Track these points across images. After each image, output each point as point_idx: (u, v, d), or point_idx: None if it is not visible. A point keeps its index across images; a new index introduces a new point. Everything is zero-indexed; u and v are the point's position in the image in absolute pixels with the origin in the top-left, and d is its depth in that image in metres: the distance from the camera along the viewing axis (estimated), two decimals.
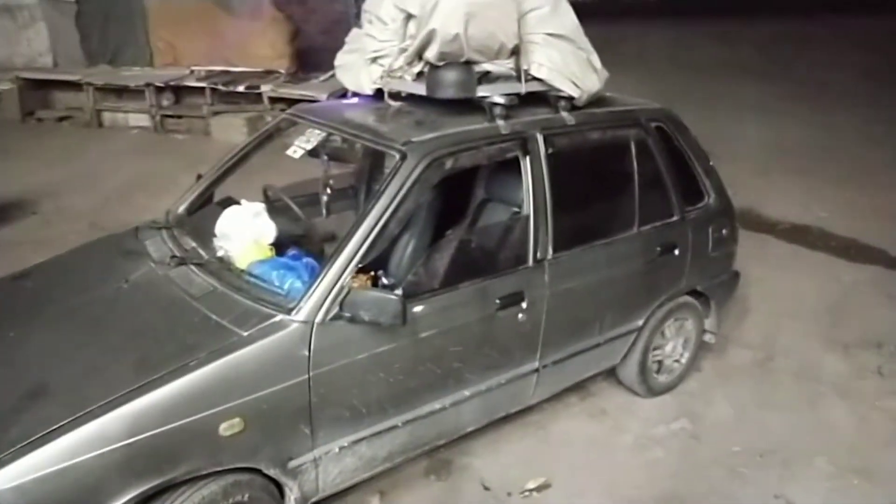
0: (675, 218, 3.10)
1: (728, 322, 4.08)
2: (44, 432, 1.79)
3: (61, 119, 9.09)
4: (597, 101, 2.95)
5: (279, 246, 2.65)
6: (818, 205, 6.05)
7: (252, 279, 2.32)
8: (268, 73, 8.50)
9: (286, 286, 2.26)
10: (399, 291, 2.18)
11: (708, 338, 3.55)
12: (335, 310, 2.15)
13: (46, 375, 2.03)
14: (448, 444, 2.81)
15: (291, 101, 6.85)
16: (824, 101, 8.96)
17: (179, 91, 8.77)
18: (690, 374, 3.58)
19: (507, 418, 3.02)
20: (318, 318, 2.13)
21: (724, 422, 3.26)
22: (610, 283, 2.92)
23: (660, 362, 3.37)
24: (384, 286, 2.67)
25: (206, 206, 2.93)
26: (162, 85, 8.51)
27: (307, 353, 2.11)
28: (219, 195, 2.98)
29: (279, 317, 2.12)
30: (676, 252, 3.10)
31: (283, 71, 8.37)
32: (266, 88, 8.04)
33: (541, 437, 3.12)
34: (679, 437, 3.15)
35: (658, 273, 3.10)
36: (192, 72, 8.74)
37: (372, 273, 2.80)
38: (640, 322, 3.13)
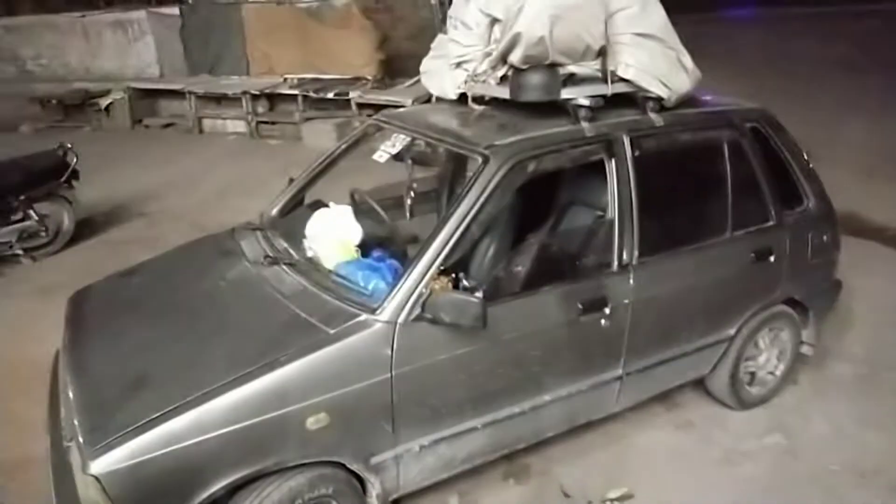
0: (771, 223, 2.95)
1: (828, 334, 3.85)
2: (146, 419, 1.92)
3: (166, 126, 9.72)
4: (688, 101, 2.86)
5: (365, 247, 2.73)
6: None
7: (339, 279, 2.40)
8: (356, 80, 8.75)
9: (371, 287, 2.32)
10: (480, 294, 2.18)
11: (805, 350, 3.36)
12: (417, 311, 2.19)
13: (149, 366, 2.17)
14: (529, 448, 2.80)
15: (378, 107, 7.02)
16: None
17: (273, 98, 9.18)
18: (786, 388, 3.39)
19: (589, 426, 2.97)
20: (401, 319, 2.17)
21: (822, 438, 3.07)
22: (699, 290, 2.82)
23: (752, 374, 3.22)
24: (465, 288, 2.69)
25: (297, 209, 3.04)
26: (257, 93, 8.93)
27: (390, 352, 2.16)
28: (310, 198, 3.09)
29: (364, 316, 2.18)
30: (772, 259, 2.95)
31: (370, 77, 8.59)
32: (354, 95, 8.27)
33: (624, 446, 3.04)
34: (772, 452, 3.00)
35: (752, 280, 2.97)
36: (286, 80, 9.13)
37: (453, 275, 2.84)
38: (732, 331, 3.00)
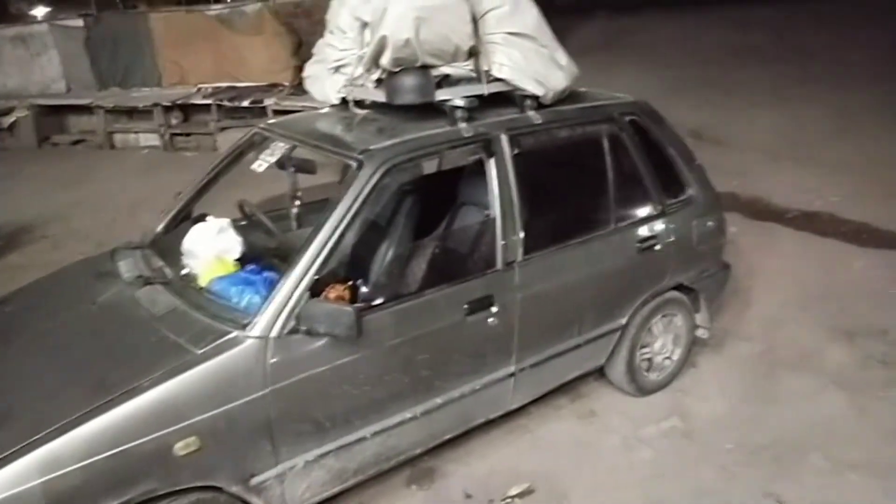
0: (654, 212, 3.03)
1: (728, 315, 3.99)
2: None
3: (75, 143, 9.32)
4: (568, 97, 2.90)
5: (249, 261, 2.66)
6: (830, 190, 5.86)
7: (211, 296, 2.33)
8: (272, 87, 8.59)
9: (244, 302, 2.26)
10: (353, 305, 2.15)
11: (700, 333, 3.46)
12: (292, 323, 2.14)
13: (12, 400, 2.06)
14: (431, 451, 2.79)
15: (297, 112, 6.90)
16: (840, 82, 8.67)
17: (187, 109, 8.92)
18: (685, 371, 3.49)
19: (493, 423, 2.98)
20: (274, 333, 2.12)
21: (718, 419, 3.16)
22: (587, 282, 2.86)
23: (649, 360, 3.29)
24: (363, 295, 2.67)
25: (182, 224, 2.95)
26: (169, 104, 8.66)
27: (264, 368, 2.10)
28: (210, 211, 2.98)
29: (234, 333, 2.11)
30: (658, 247, 3.02)
31: (287, 84, 8.44)
32: (270, 102, 8.12)
33: (528, 441, 3.07)
34: (669, 436, 3.07)
35: (639, 269, 3.03)
36: (199, 89, 8.89)
37: (350, 283, 2.80)
38: (624, 320, 3.06)
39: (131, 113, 9.02)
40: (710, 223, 3.24)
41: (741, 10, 12.78)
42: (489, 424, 2.96)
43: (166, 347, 2.12)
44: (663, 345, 3.31)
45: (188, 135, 8.86)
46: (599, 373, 3.33)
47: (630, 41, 11.70)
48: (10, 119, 9.12)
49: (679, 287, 3.25)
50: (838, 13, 12.19)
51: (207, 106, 8.58)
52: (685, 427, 3.12)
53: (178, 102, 8.72)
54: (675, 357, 3.38)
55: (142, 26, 9.06)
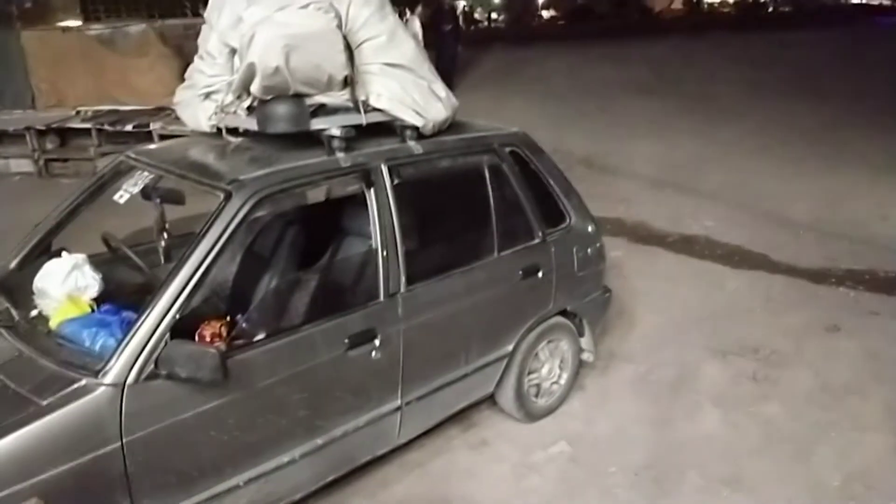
0: (535, 241, 3.08)
1: (613, 337, 4.12)
2: None
3: None
4: (451, 127, 2.91)
5: (114, 300, 2.47)
6: (706, 215, 6.26)
7: (61, 340, 2.14)
8: (159, 110, 8.19)
9: (97, 346, 2.08)
10: (218, 345, 2.03)
11: (586, 357, 3.54)
12: (150, 368, 1.99)
13: None
14: (319, 492, 2.66)
15: (184, 137, 6.61)
16: (710, 115, 9.36)
17: (65, 133, 8.34)
18: (573, 395, 3.56)
19: (385, 458, 2.90)
20: (130, 379, 1.96)
21: (603, 441, 3.23)
22: (472, 311, 2.86)
23: (538, 386, 3.33)
24: (240, 331, 2.53)
25: (38, 260, 2.70)
26: (44, 128, 8.08)
27: (118, 418, 1.93)
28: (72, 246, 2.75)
29: (84, 381, 1.93)
30: (540, 274, 3.08)
31: (173, 107, 8.08)
32: (155, 126, 7.74)
33: (419, 475, 3.00)
34: (557, 461, 3.10)
35: (523, 297, 3.07)
36: (78, 112, 8.36)
37: (227, 319, 2.66)
38: (510, 347, 3.08)
39: (1, 137, 8.34)
40: (590, 250, 3.34)
41: (622, 47, 13.66)
42: (380, 460, 2.88)
43: (6, 399, 1.91)
44: (550, 370, 3.36)
45: (66, 160, 8.28)
46: (491, 400, 3.33)
47: (522, 73, 12.13)
48: None
49: (563, 312, 3.32)
50: (704, 52, 13.28)
51: (87, 130, 8.07)
52: (572, 451, 3.16)
53: (54, 126, 8.15)
54: (563, 381, 3.44)
55: (12, 45, 8.46)
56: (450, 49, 11.03)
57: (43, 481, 1.82)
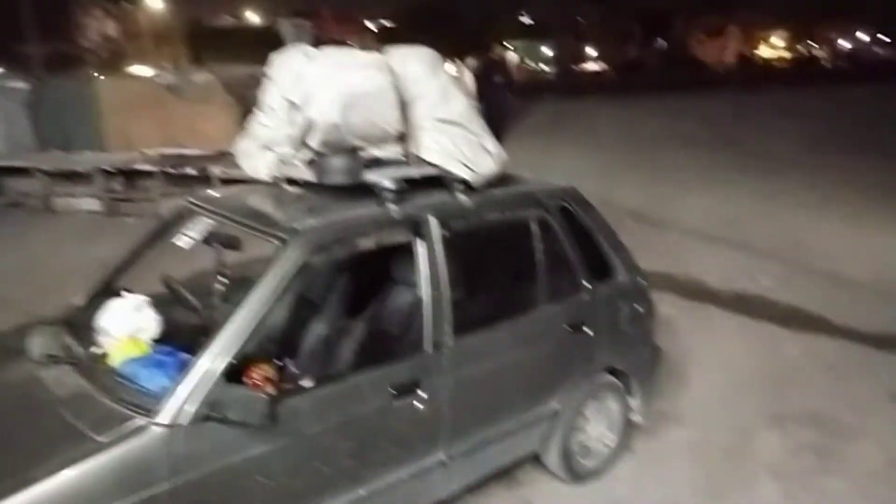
0: (583, 295, 3.06)
1: (664, 398, 3.99)
2: None
3: (11, 205, 9.00)
4: (501, 181, 2.95)
5: (172, 341, 2.55)
6: (762, 273, 6.09)
7: (120, 379, 2.21)
8: (220, 155, 8.54)
9: (154, 386, 2.14)
10: (267, 388, 2.06)
11: (635, 418, 3.45)
12: (203, 410, 2.03)
13: None
14: None
15: (243, 182, 6.87)
16: (766, 169, 9.22)
17: (131, 175, 8.76)
18: (621, 457, 3.45)
19: None
20: (183, 420, 2.01)
21: None
22: (517, 365, 2.84)
23: (584, 446, 3.25)
24: (290, 376, 2.58)
25: (103, 299, 2.82)
26: (112, 170, 8.51)
27: (170, 459, 1.98)
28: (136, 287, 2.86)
29: (140, 420, 1.99)
30: (587, 330, 3.04)
31: (234, 152, 8.42)
32: (216, 171, 8.06)
33: None
34: None
35: (569, 352, 3.03)
36: (144, 155, 8.78)
37: (276, 362, 2.71)
38: (556, 404, 3.03)
39: (72, 177, 8.81)
40: (639, 306, 3.29)
41: (673, 100, 13.66)
42: None
43: (66, 434, 1.98)
44: (598, 430, 3.28)
45: (131, 201, 8.68)
46: (536, 459, 3.26)
47: (571, 125, 12.24)
48: None
49: (611, 370, 3.25)
50: (759, 106, 13.13)
51: (152, 172, 8.46)
52: None
53: (122, 168, 8.58)
54: (611, 443, 3.35)
55: (88, 90, 9.01)
56: (500, 100, 11.25)
57: None
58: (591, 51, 36.16)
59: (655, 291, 3.61)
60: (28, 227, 8.23)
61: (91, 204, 8.76)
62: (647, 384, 3.51)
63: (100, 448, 1.92)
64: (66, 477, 1.85)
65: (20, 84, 9.41)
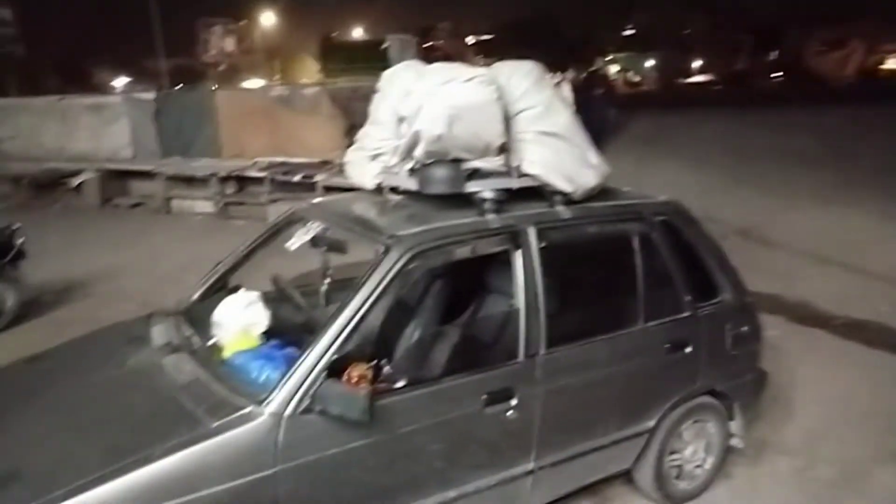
0: (685, 314, 2.97)
1: (767, 425, 3.81)
2: None
3: (135, 206, 9.82)
4: (601, 194, 2.93)
5: (275, 335, 2.70)
6: (879, 298, 5.67)
7: (232, 369, 2.36)
8: (323, 164, 8.96)
9: (263, 377, 2.28)
10: (368, 389, 2.15)
11: (735, 442, 3.30)
12: (307, 402, 2.14)
13: (23, 460, 2.10)
14: None
15: (344, 190, 7.17)
16: (884, 188, 8.55)
17: (242, 180, 9.34)
18: (718, 482, 3.31)
19: None
20: (288, 411, 2.12)
21: None
22: (613, 381, 2.79)
23: (679, 467, 3.15)
24: (384, 376, 2.66)
25: (217, 294, 3.03)
26: (226, 175, 9.09)
27: (275, 446, 2.10)
28: (246, 283, 3.05)
29: (250, 408, 2.13)
30: (688, 350, 2.95)
31: (337, 162, 8.79)
32: (320, 178, 8.45)
33: None
34: None
35: (668, 372, 2.95)
36: (255, 163, 9.33)
37: (374, 362, 2.81)
38: (652, 423, 2.95)
39: (190, 181, 9.48)
40: (744, 328, 3.15)
41: (784, 114, 12.91)
42: None
43: (183, 417, 2.14)
44: (694, 452, 3.17)
45: (241, 204, 9.24)
46: (627, 476, 3.19)
47: (674, 138, 11.86)
48: (79, 180, 9.72)
49: (712, 392, 3.14)
50: (882, 123, 12.18)
51: (261, 179, 8.97)
52: None
53: (234, 174, 9.15)
54: (708, 466, 3.22)
55: (207, 102, 9.68)
56: (600, 113, 11.10)
57: (206, 497, 2.00)
58: (697, 63, 34.97)
59: (762, 313, 3.45)
60: (148, 225, 8.94)
61: (205, 207, 9.40)
62: (750, 409, 3.36)
63: (213, 432, 2.06)
64: (182, 457, 2.00)
65: (148, 96, 10.22)
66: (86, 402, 2.38)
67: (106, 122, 10.18)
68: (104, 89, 13.91)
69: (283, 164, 9.15)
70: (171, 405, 2.22)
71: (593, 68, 11.39)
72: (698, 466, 3.21)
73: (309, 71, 23.74)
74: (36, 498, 1.88)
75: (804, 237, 7.19)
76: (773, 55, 31.18)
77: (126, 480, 1.93)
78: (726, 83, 28.43)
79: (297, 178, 8.64)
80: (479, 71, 2.54)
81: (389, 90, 2.79)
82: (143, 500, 1.94)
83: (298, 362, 2.19)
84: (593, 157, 2.79)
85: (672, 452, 3.09)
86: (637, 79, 34.47)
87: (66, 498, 1.88)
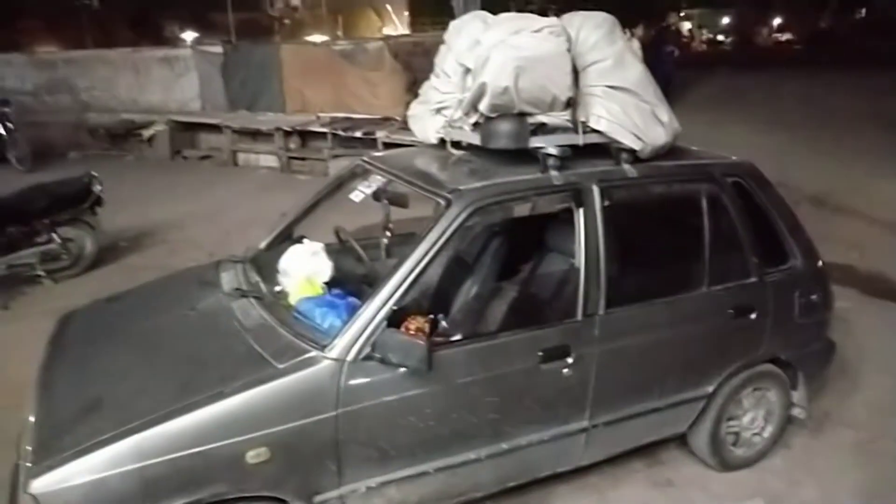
0: (752, 279, 2.88)
1: (831, 397, 3.70)
2: (90, 443, 1.97)
3: (203, 158, 10.11)
4: (671, 153, 2.84)
5: (337, 285, 2.77)
6: None
7: (297, 315, 2.44)
8: (385, 120, 8.98)
9: (326, 324, 2.35)
10: (427, 339, 2.19)
11: (797, 412, 3.23)
12: (367, 350, 2.20)
13: (106, 391, 2.24)
14: (494, 496, 2.74)
15: (405, 146, 7.19)
16: None
17: (305, 135, 9.47)
18: (776, 451, 3.26)
19: (562, 476, 2.90)
20: (350, 357, 2.19)
21: None
22: (672, 344, 2.76)
23: (736, 434, 3.10)
24: (441, 329, 2.70)
25: (283, 243, 3.12)
26: (289, 129, 9.23)
27: (336, 390, 2.17)
28: (310, 234, 3.12)
29: (314, 353, 2.21)
30: (753, 316, 2.87)
31: (398, 118, 8.79)
32: (381, 134, 8.48)
33: (594, 501, 2.96)
34: None
35: (731, 337, 2.89)
36: (318, 118, 9.42)
37: (432, 316, 2.85)
38: (710, 388, 2.91)
39: (255, 135, 9.68)
40: (814, 296, 3.04)
41: (869, 76, 12.09)
42: (557, 477, 2.88)
43: (251, 358, 2.24)
44: (753, 419, 3.12)
45: (303, 159, 9.39)
46: (681, 440, 3.17)
47: (747, 99, 11.33)
48: (150, 132, 10.05)
49: (776, 360, 3.06)
50: None
51: (324, 134, 9.08)
52: None
53: (298, 128, 9.27)
54: (766, 434, 3.17)
55: (273, 56, 9.76)
56: (666, 70, 10.68)
57: (273, 434, 2.11)
58: (777, 20, 33.03)
59: (834, 284, 3.31)
60: (215, 177, 9.20)
61: (269, 160, 9.59)
62: (815, 380, 3.27)
63: (279, 374, 2.15)
64: (250, 396, 2.10)
65: (216, 49, 10.39)
66: (161, 341, 2.51)
67: (176, 75, 10.44)
68: (174, 42, 14.20)
69: (345, 119, 9.20)
70: (240, 347, 2.32)
71: (664, 24, 10.91)
72: (756, 434, 3.16)
73: (372, 26, 23.64)
74: (117, 427, 2.01)
75: (883, 206, 6.80)
76: (861, 13, 29.18)
77: (198, 415, 2.04)
78: (807, 42, 26.77)
79: (358, 133, 8.69)
80: (548, 21, 2.47)
81: (456, 41, 2.75)
82: (213, 434, 2.05)
83: (360, 311, 2.25)
84: (664, 114, 2.70)
85: (730, 419, 3.05)
86: (710, 36, 32.84)
87: (143, 428, 2.00)
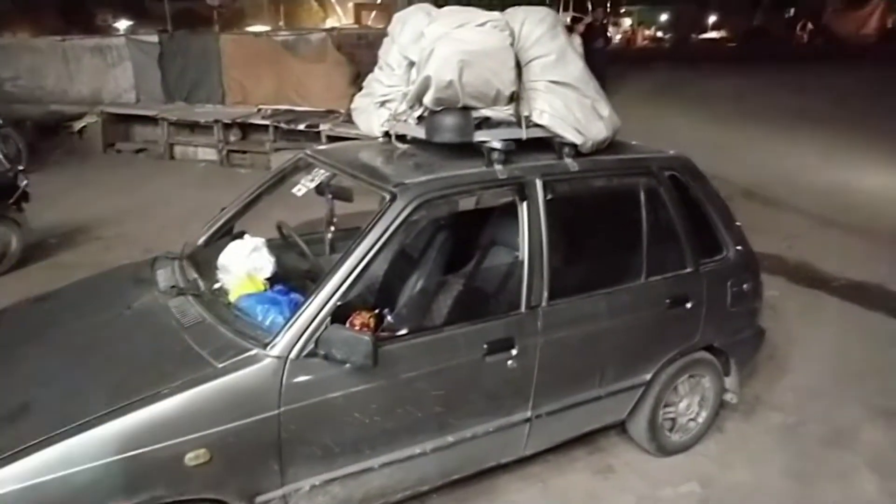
0: (687, 270, 2.98)
1: (761, 382, 3.87)
2: (15, 450, 1.88)
3: (138, 151, 9.75)
4: (610, 147, 2.90)
5: (279, 281, 2.72)
6: (881, 261, 5.68)
7: (238, 312, 2.39)
8: (328, 113, 8.84)
9: (268, 321, 2.31)
10: (371, 335, 2.18)
11: (729, 398, 3.36)
12: (311, 346, 2.18)
13: (31, 395, 2.14)
14: (438, 489, 2.76)
15: (349, 139, 7.10)
16: None
17: (246, 128, 9.24)
18: (710, 436, 3.39)
19: (505, 468, 2.94)
20: (293, 354, 2.16)
21: (740, 488, 3.05)
22: (612, 334, 2.83)
23: (673, 420, 3.21)
24: (387, 324, 2.69)
25: (222, 239, 3.04)
26: (229, 122, 9.00)
27: (279, 388, 2.14)
28: (250, 230, 3.06)
29: (255, 351, 2.16)
30: (689, 305, 2.97)
31: (342, 111, 8.67)
32: (324, 127, 8.36)
33: (538, 490, 3.01)
34: (686, 501, 2.97)
35: (668, 326, 2.98)
36: (259, 110, 9.22)
37: (377, 311, 2.84)
38: (648, 376, 3.00)
39: (193, 127, 9.39)
40: (745, 286, 3.17)
41: (798, 73, 12.67)
42: (501, 468, 2.92)
43: (189, 358, 2.18)
44: (689, 405, 3.23)
45: (244, 152, 9.17)
46: (621, 428, 3.26)
47: (683, 94, 11.69)
48: (81, 124, 9.62)
49: (710, 348, 3.18)
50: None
51: (265, 126, 8.88)
52: (703, 493, 3.02)
53: (238, 121, 9.05)
54: (701, 419, 3.29)
55: (212, 46, 9.48)
56: (598, 65, 10.89)
57: (212, 435, 2.06)
58: (713, 18, 34.12)
59: (764, 273, 3.46)
60: (151, 171, 8.89)
61: (208, 154, 9.32)
62: (746, 366, 3.41)
63: (219, 373, 2.10)
64: (188, 396, 2.05)
65: (152, 38, 10.02)
66: (92, 342, 2.41)
67: (109, 65, 10.00)
68: (107, 31, 13.61)
69: (287, 111, 9.02)
70: (177, 346, 2.25)
71: (594, 19, 11.13)
72: (692, 420, 3.28)
73: (315, 17, 23.23)
74: (44, 432, 1.93)
75: (810, 199, 7.16)
76: (789, 13, 30.45)
77: (133, 418, 1.98)
78: (740, 40, 27.75)
79: (301, 126, 8.54)
80: (492, 15, 2.48)
81: (400, 33, 2.74)
82: (149, 437, 1.99)
83: (303, 307, 2.22)
84: (604, 108, 2.76)
85: (667, 405, 3.15)
86: (651, 33, 33.68)
87: (74, 433, 1.92)
